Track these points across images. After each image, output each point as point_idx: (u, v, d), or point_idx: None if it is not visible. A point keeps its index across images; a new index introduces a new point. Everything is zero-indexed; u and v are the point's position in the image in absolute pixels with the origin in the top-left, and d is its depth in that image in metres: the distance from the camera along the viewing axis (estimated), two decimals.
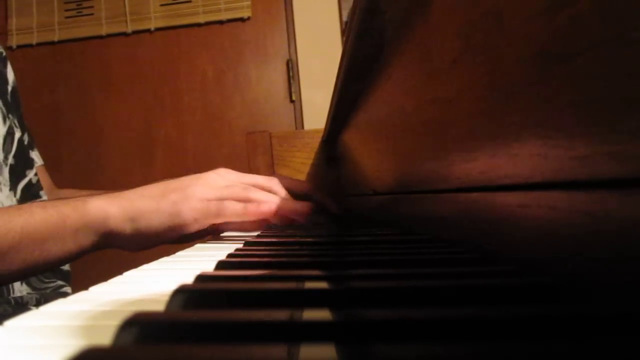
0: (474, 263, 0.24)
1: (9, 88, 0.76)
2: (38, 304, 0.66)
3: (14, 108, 0.76)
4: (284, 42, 1.76)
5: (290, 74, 1.74)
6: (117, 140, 1.79)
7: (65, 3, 1.83)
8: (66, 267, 0.77)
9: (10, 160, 0.71)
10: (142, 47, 1.81)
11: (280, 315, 0.14)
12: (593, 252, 0.16)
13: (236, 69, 1.77)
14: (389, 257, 0.27)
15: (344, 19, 1.69)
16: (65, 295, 0.44)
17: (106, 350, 0.11)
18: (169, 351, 0.11)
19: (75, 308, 0.19)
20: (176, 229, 0.50)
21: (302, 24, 1.74)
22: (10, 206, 0.56)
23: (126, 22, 1.81)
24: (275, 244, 0.41)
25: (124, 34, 1.81)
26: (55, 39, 1.82)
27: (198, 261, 0.34)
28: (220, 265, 0.25)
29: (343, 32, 1.65)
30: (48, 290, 0.73)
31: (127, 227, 0.49)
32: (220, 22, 1.78)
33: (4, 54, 0.78)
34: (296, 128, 1.73)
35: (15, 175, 0.72)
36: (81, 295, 0.22)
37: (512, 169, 0.22)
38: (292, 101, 1.74)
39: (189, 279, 0.20)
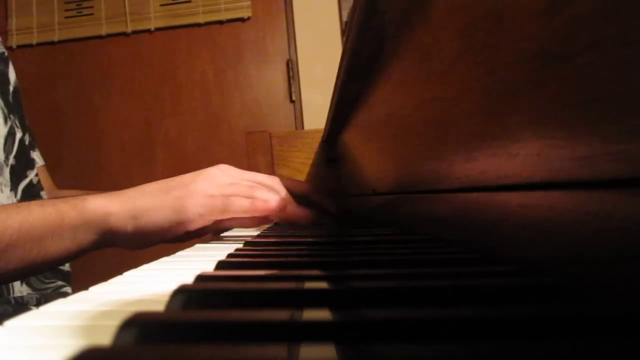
0: (474, 263, 0.24)
1: (11, 88, 0.76)
2: (38, 304, 0.66)
3: (15, 108, 0.76)
4: (284, 42, 1.76)
5: (290, 74, 1.74)
6: (117, 140, 1.79)
7: (65, 3, 1.83)
8: (66, 267, 0.77)
9: (11, 160, 0.71)
10: (142, 47, 1.81)
11: (280, 315, 0.14)
12: (593, 252, 0.16)
13: (236, 69, 1.77)
14: (389, 257, 0.27)
15: (344, 19, 1.69)
16: (65, 295, 0.43)
17: (106, 350, 0.11)
18: (169, 351, 0.11)
19: (75, 308, 0.19)
20: (180, 225, 0.49)
21: (302, 24, 1.74)
22: (8, 204, 0.56)
23: (126, 22, 1.81)
24: (275, 244, 0.41)
25: (124, 34, 1.81)
26: (55, 39, 1.82)
27: (198, 261, 0.34)
28: (220, 265, 0.25)
29: (343, 32, 1.65)
30: (48, 291, 0.73)
31: (128, 225, 0.48)
32: (220, 22, 1.78)
33: (6, 54, 0.78)
34: (296, 128, 1.73)
35: (16, 175, 0.72)
36: (81, 295, 0.22)
37: (512, 169, 0.22)
38: (292, 101, 1.74)
39: (189, 279, 0.20)
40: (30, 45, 1.82)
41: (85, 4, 1.83)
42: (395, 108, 0.45)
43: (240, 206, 0.50)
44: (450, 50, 0.29)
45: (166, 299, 0.16)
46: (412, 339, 0.12)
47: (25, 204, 0.47)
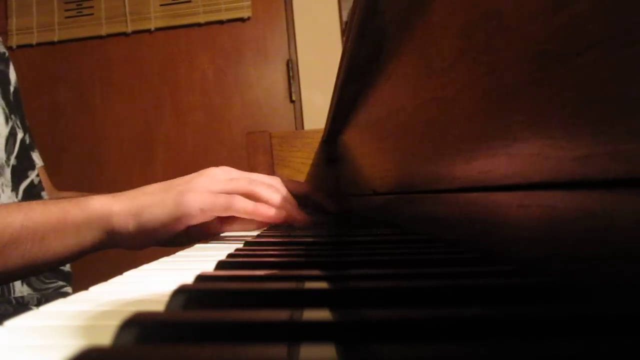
0: (474, 263, 0.24)
1: (11, 89, 0.76)
2: (39, 304, 0.66)
3: (16, 109, 0.76)
4: (284, 42, 1.76)
5: (290, 74, 1.74)
6: (117, 140, 1.80)
7: (65, 3, 1.83)
8: (67, 267, 0.77)
9: (13, 161, 0.71)
10: (142, 47, 1.81)
11: (280, 315, 0.14)
12: (593, 252, 0.16)
13: (236, 69, 1.77)
14: (389, 257, 0.27)
15: (344, 19, 1.69)
16: (65, 295, 0.43)
17: (106, 350, 0.11)
18: (169, 351, 0.11)
19: (75, 308, 0.19)
20: (181, 220, 0.48)
21: (302, 24, 1.74)
22: (11, 203, 0.56)
23: (126, 22, 1.81)
24: (275, 244, 0.41)
25: (124, 34, 1.81)
26: (55, 39, 1.82)
27: (198, 261, 0.34)
28: (220, 265, 0.25)
29: (343, 32, 1.65)
30: (49, 291, 0.73)
31: (130, 223, 0.48)
32: (220, 22, 1.78)
33: (7, 54, 0.78)
34: (296, 128, 1.73)
35: (18, 176, 0.72)
36: (81, 295, 0.22)
37: (512, 169, 0.22)
38: (292, 101, 1.74)
39: (189, 279, 0.20)
40: (30, 45, 1.82)
41: (85, 4, 1.83)
42: (395, 108, 0.45)
43: (244, 206, 0.50)
44: (450, 50, 0.29)
45: (166, 299, 0.16)
46: (412, 339, 0.12)
47: (27, 203, 0.47)
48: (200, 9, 1.78)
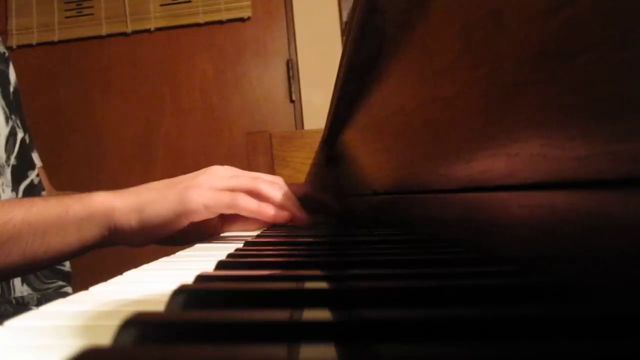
0: (474, 263, 0.24)
1: (11, 88, 0.76)
2: (39, 304, 0.66)
3: (16, 109, 0.76)
4: (284, 42, 1.76)
5: (290, 74, 1.74)
6: (117, 140, 1.80)
7: (65, 3, 1.83)
8: (67, 267, 0.77)
9: (13, 161, 0.71)
10: (142, 47, 1.81)
11: (280, 315, 0.14)
12: (593, 252, 0.16)
13: (236, 69, 1.77)
14: (389, 257, 0.27)
15: (344, 19, 1.69)
16: (65, 295, 0.43)
17: (106, 350, 0.11)
18: (169, 351, 0.11)
19: (75, 308, 0.19)
20: (185, 216, 0.48)
21: (302, 24, 1.74)
22: (12, 199, 0.55)
23: (126, 22, 1.81)
24: (275, 244, 0.41)
25: (124, 34, 1.81)
26: (55, 39, 1.82)
27: (198, 261, 0.34)
28: (220, 265, 0.25)
29: (343, 32, 1.65)
30: (49, 291, 0.73)
31: (132, 218, 0.47)
32: (220, 22, 1.78)
33: (7, 54, 0.78)
34: (296, 128, 1.73)
35: (18, 176, 0.72)
36: (81, 295, 0.22)
37: (512, 169, 0.22)
38: (292, 101, 1.74)
39: (189, 279, 0.20)
40: (30, 45, 1.82)
41: (85, 4, 1.83)
42: (395, 108, 0.45)
43: (247, 205, 0.49)
44: (450, 50, 0.29)
45: (166, 299, 0.16)
46: (412, 339, 0.12)
47: (28, 198, 0.46)
48: (200, 9, 1.78)
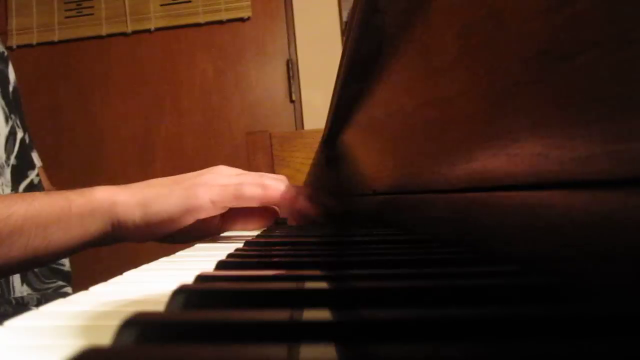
0: (474, 263, 0.24)
1: (11, 88, 0.76)
2: (39, 304, 0.66)
3: (15, 108, 0.76)
4: (284, 42, 1.76)
5: (290, 74, 1.74)
6: (117, 140, 1.80)
7: (65, 3, 1.83)
8: (67, 267, 0.77)
9: (13, 160, 0.71)
10: (142, 47, 1.81)
11: (280, 315, 0.14)
12: (593, 252, 0.16)
13: (236, 69, 1.77)
14: (389, 257, 0.27)
15: (344, 19, 1.69)
16: (65, 295, 0.43)
17: (106, 350, 0.11)
18: (169, 351, 0.11)
19: (75, 308, 0.19)
20: (191, 213, 0.47)
21: (302, 24, 1.74)
22: (14, 193, 0.55)
23: (126, 22, 1.81)
24: (276, 244, 0.41)
25: (124, 34, 1.81)
26: (55, 39, 1.82)
27: (198, 261, 0.34)
28: (220, 265, 0.25)
29: (343, 32, 1.65)
30: (49, 291, 0.73)
31: (136, 213, 0.46)
32: (220, 22, 1.78)
33: (6, 53, 0.78)
34: (296, 128, 1.73)
35: (17, 176, 0.72)
36: (81, 295, 0.22)
37: (512, 169, 0.22)
38: (292, 101, 1.74)
39: (189, 279, 0.20)
40: (30, 45, 1.82)
41: (85, 4, 1.83)
42: (395, 108, 0.45)
43: (253, 192, 0.49)
44: (450, 50, 0.29)
45: (166, 299, 0.16)
46: (412, 339, 0.12)
47: (31, 193, 0.46)
48: (200, 9, 1.78)
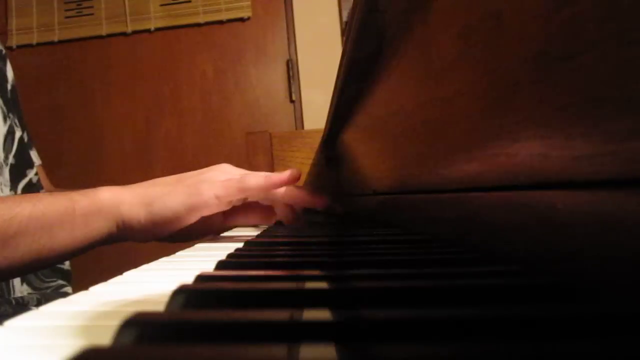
0: (474, 263, 0.24)
1: (9, 86, 0.76)
2: (39, 304, 0.66)
3: (14, 107, 0.76)
4: (284, 42, 1.76)
5: (290, 74, 1.74)
6: (117, 140, 1.80)
7: (65, 3, 1.83)
8: (66, 266, 0.77)
9: (11, 159, 0.71)
10: (142, 47, 1.81)
11: (280, 315, 0.14)
12: (593, 252, 0.16)
13: (236, 69, 1.77)
14: (389, 257, 0.27)
15: (344, 19, 1.69)
16: (65, 295, 0.43)
17: (106, 350, 0.11)
18: (169, 351, 0.11)
19: (75, 308, 0.19)
20: (196, 210, 0.47)
21: (302, 24, 1.74)
22: (19, 195, 0.55)
23: (126, 22, 1.81)
24: (276, 244, 0.41)
25: (124, 34, 1.81)
26: (55, 39, 1.82)
27: (198, 261, 0.34)
28: (220, 265, 0.25)
29: (343, 32, 1.65)
30: (48, 290, 0.73)
31: (141, 212, 0.46)
32: (220, 22, 1.78)
33: (4, 52, 0.78)
34: (296, 128, 1.73)
35: (16, 175, 0.72)
36: (81, 295, 0.22)
37: (512, 169, 0.22)
38: (292, 101, 1.74)
39: (189, 279, 0.20)
40: (30, 45, 1.82)
41: (85, 4, 1.83)
42: (395, 108, 0.45)
43: (257, 182, 0.49)
44: (450, 50, 0.29)
45: (166, 299, 0.16)
46: (412, 339, 0.12)
47: (35, 194, 0.46)
48: (200, 9, 1.78)
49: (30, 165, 0.76)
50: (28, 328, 0.16)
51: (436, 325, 0.13)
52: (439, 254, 0.28)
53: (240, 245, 0.38)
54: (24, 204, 0.42)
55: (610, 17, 0.14)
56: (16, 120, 0.75)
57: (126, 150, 1.79)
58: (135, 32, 1.81)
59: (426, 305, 0.16)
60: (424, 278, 0.20)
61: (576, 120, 0.17)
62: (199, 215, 0.48)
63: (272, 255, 0.31)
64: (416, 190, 0.40)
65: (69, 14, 1.83)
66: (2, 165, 0.69)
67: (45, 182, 0.81)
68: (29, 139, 0.79)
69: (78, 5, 1.83)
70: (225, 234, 0.57)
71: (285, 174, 0.51)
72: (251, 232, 0.57)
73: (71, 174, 1.72)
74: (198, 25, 1.78)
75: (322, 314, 0.15)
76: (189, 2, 1.78)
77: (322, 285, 0.20)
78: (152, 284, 0.25)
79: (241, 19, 1.77)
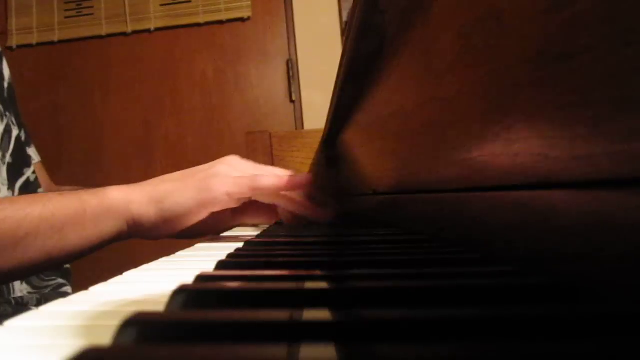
0: (474, 263, 0.24)
1: (5, 85, 0.76)
2: (38, 304, 0.66)
3: (10, 105, 0.75)
4: (284, 42, 1.76)
5: (290, 74, 1.74)
6: (117, 140, 1.80)
7: (65, 3, 1.83)
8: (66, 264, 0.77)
9: (8, 158, 0.71)
10: (142, 47, 1.81)
11: (280, 315, 0.14)
12: (593, 252, 0.16)
13: (236, 69, 1.77)
14: (389, 257, 0.27)
15: (344, 19, 1.69)
16: (65, 295, 0.42)
17: (106, 350, 0.11)
18: (169, 351, 0.11)
19: (75, 308, 0.19)
20: (207, 205, 0.47)
21: (302, 24, 1.74)
22: (27, 195, 0.55)
23: (126, 22, 1.81)
24: (276, 244, 0.41)
25: (124, 34, 1.81)
26: (55, 39, 1.82)
27: (198, 261, 0.34)
28: (220, 265, 0.25)
29: (343, 32, 1.65)
30: (48, 289, 0.73)
31: (151, 210, 0.46)
32: (220, 22, 1.78)
33: (0, 50, 0.78)
34: (296, 128, 1.73)
35: (13, 173, 0.71)
36: (81, 295, 0.22)
37: (512, 169, 0.22)
38: (292, 101, 1.74)
39: (189, 279, 0.20)
40: (30, 45, 1.82)
41: (85, 4, 1.83)
42: (395, 108, 0.45)
43: (268, 182, 0.49)
44: (450, 50, 0.29)
45: (166, 299, 0.16)
46: (412, 339, 0.12)
47: (45, 194, 0.46)
48: (200, 9, 1.78)
49: (28, 163, 0.76)
50: (28, 328, 0.16)
51: (436, 326, 0.13)
52: (439, 254, 0.28)
53: (240, 245, 0.38)
54: (34, 204, 0.42)
55: (610, 17, 0.14)
56: (13, 119, 0.75)
57: (126, 150, 1.79)
58: (135, 32, 1.81)
59: (426, 305, 0.16)
60: (424, 278, 0.20)
61: (576, 120, 0.17)
62: (209, 211, 0.48)
63: (272, 255, 0.31)
64: (416, 190, 0.40)
65: (68, 14, 1.83)
66: (0, 165, 0.69)
67: (45, 179, 0.81)
68: (26, 137, 0.79)
69: (78, 5, 1.83)
70: (225, 234, 0.57)
71: (297, 178, 0.50)
72: (251, 232, 0.57)
73: (71, 174, 1.72)
74: (198, 25, 1.78)
75: (322, 314, 0.15)
76: (189, 2, 1.78)
77: (322, 285, 0.20)
78: (152, 284, 0.25)
79: (241, 19, 1.77)
